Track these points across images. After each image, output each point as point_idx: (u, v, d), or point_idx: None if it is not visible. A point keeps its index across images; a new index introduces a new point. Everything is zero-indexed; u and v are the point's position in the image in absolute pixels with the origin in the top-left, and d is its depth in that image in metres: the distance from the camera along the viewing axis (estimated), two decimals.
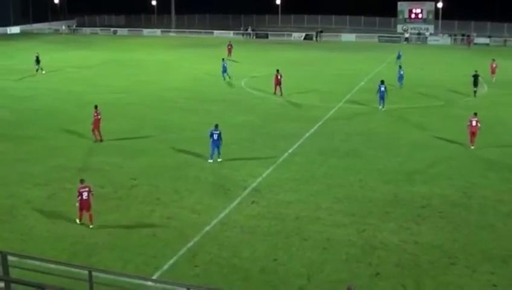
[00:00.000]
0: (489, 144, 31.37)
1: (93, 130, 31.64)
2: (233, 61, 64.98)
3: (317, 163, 28.43)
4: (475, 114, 30.45)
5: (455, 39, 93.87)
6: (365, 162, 28.70)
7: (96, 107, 31.96)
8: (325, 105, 41.79)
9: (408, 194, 24.28)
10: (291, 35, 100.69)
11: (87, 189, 20.53)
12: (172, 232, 20.44)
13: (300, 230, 20.68)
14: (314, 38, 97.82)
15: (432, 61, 69.78)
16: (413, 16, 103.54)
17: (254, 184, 25.34)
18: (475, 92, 45.29)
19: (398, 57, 67.61)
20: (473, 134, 30.08)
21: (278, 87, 45.61)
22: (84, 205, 20.50)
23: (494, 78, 52.27)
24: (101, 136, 31.60)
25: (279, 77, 45.59)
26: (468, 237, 20.25)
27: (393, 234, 20.35)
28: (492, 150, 30.55)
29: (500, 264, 18.34)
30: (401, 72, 49.13)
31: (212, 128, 28.09)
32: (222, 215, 21.88)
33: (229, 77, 52.88)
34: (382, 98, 40.16)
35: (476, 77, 44.95)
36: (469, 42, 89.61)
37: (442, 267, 18.07)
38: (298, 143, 31.75)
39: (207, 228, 20.75)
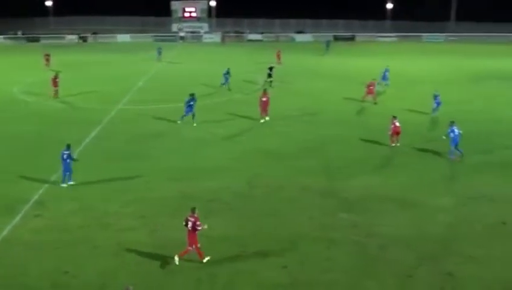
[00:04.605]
0: (266, 135, 33.21)
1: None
2: (279, 64, 61.03)
3: (102, 167, 27.72)
4: (395, 117, 31.40)
5: (229, 36, 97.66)
6: (150, 162, 28.63)
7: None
8: (105, 107, 40.79)
9: (195, 190, 24.68)
10: (64, 37, 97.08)
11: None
12: None
13: (89, 238, 20.08)
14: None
15: (207, 58, 71.49)
16: (187, 14, 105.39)
17: (36, 196, 23.99)
18: (271, 82, 49.40)
19: (159, 53, 68.44)
20: (397, 134, 31.25)
21: (56, 89, 44.62)
22: None
23: (280, 63, 62.03)
24: None
25: (56, 80, 44.55)
26: (256, 224, 21.25)
27: (184, 231, 20.47)
28: (271, 141, 32.40)
29: (289, 246, 19.55)
30: None
31: (64, 148, 25.32)
32: (5, 233, 20.47)
33: None
34: (187, 112, 36.05)
35: (270, 69, 50.35)
36: (223, 39, 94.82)
37: (234, 257, 18.73)
38: (80, 148, 30.58)
39: None
